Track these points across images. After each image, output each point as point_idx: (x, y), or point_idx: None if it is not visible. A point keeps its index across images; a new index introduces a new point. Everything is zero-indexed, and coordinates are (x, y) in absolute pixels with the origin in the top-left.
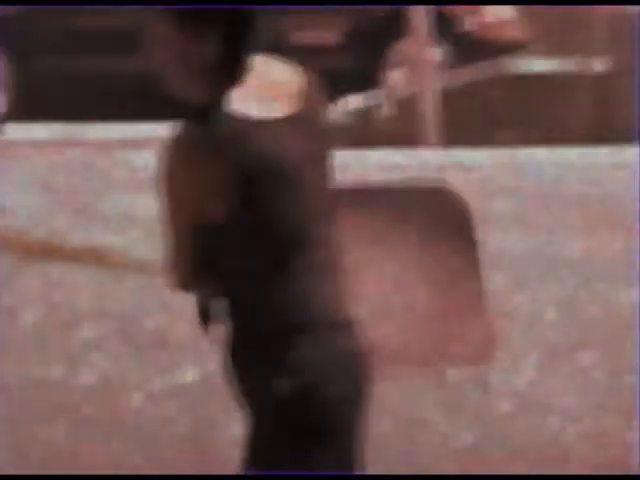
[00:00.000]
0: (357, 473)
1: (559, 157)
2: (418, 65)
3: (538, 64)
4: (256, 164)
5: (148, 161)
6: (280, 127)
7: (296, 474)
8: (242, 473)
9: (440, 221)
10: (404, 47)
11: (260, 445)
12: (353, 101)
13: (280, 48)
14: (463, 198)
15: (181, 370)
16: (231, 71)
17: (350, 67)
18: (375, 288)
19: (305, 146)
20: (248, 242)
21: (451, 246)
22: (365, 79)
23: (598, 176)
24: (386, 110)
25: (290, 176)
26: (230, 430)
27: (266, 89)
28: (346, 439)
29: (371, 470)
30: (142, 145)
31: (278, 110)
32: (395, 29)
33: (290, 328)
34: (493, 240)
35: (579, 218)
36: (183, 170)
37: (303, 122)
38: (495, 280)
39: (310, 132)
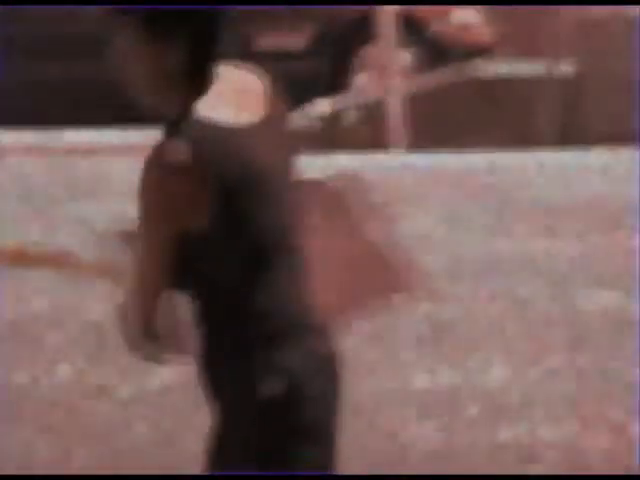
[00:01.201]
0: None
1: (527, 160)
2: (385, 69)
3: (505, 67)
4: (235, 170)
5: (121, 167)
6: (253, 133)
7: (287, 474)
8: (208, 471)
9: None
10: (371, 51)
11: (239, 447)
12: (320, 105)
13: (246, 53)
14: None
15: (150, 376)
16: (198, 80)
17: (317, 71)
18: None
19: (276, 151)
20: (228, 250)
21: (338, 226)
22: (332, 83)
23: (566, 179)
24: (353, 114)
25: (266, 181)
26: (198, 437)
27: (233, 96)
28: (327, 438)
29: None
30: (115, 151)
31: (247, 116)
32: (362, 33)
33: (273, 331)
34: (463, 243)
35: (546, 221)
36: (163, 187)
37: (272, 127)
38: (464, 285)
39: (278, 137)
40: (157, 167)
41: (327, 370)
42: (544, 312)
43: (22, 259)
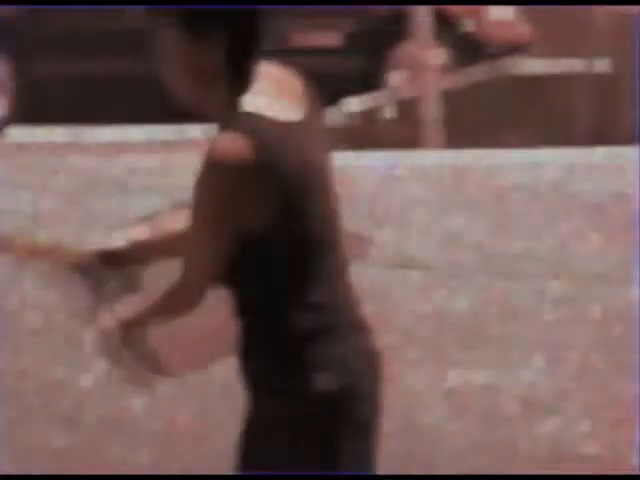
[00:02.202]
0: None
1: (561, 158)
2: (420, 67)
3: (539, 65)
4: (295, 166)
5: (150, 164)
6: (304, 128)
7: (294, 474)
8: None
9: None
10: (406, 49)
11: (285, 442)
12: (355, 103)
13: (280, 51)
14: None
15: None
16: (240, 77)
17: (352, 69)
18: None
19: (320, 147)
20: (281, 246)
21: None
22: (367, 81)
23: (600, 177)
24: (388, 112)
25: (316, 177)
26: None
27: (276, 92)
28: (373, 436)
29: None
30: (144, 148)
31: (294, 112)
32: (396, 31)
33: (322, 327)
34: (494, 241)
35: (582, 219)
36: (226, 186)
37: (312, 124)
38: (495, 280)
39: (320, 134)
40: (221, 164)
41: (373, 367)
42: (578, 310)
43: (55, 257)
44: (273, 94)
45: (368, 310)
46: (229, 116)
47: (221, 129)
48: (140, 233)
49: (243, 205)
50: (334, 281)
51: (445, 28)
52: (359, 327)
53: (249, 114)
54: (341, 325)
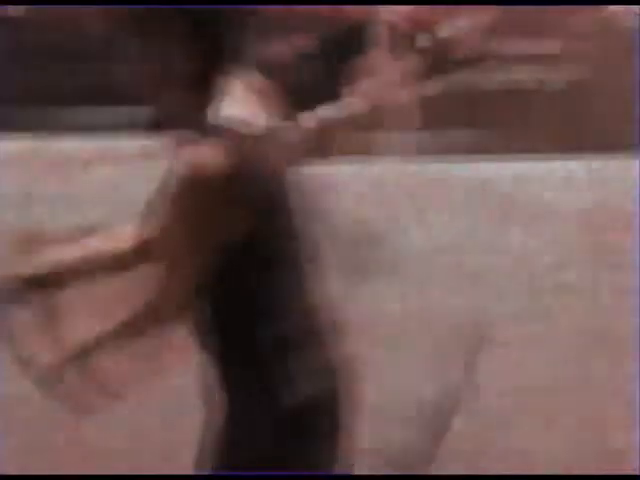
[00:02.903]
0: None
1: (520, 169)
2: (381, 78)
3: (498, 76)
4: (268, 175)
5: (114, 175)
6: (276, 134)
7: (295, 474)
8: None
9: None
10: (367, 59)
11: (253, 450)
12: (315, 114)
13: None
14: None
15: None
16: (210, 81)
17: (312, 80)
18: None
19: (286, 153)
20: (248, 255)
21: None
22: (327, 92)
23: (570, 186)
24: (349, 123)
25: (284, 185)
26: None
27: (249, 98)
28: (338, 442)
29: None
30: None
31: (266, 118)
32: (357, 42)
33: (288, 336)
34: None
35: (549, 230)
36: (201, 193)
37: (284, 134)
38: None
39: (286, 143)
40: (195, 176)
41: (341, 374)
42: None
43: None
44: (245, 100)
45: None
46: (203, 125)
47: (195, 138)
48: (69, 252)
49: (218, 220)
50: (300, 293)
51: (407, 40)
52: (324, 334)
53: (223, 125)
54: (306, 333)
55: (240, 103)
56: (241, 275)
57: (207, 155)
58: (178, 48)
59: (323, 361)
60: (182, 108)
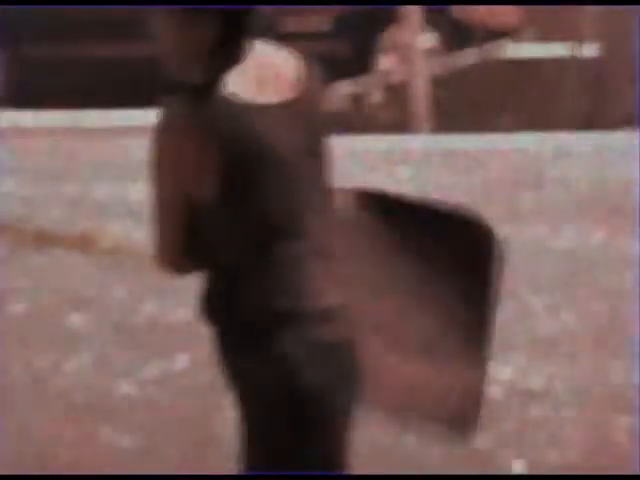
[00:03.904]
0: (344, 468)
1: (550, 142)
2: (409, 51)
3: (528, 49)
4: (244, 147)
5: (143, 148)
6: (273, 112)
7: (293, 473)
8: (241, 465)
9: (460, 253)
10: (395, 33)
11: (250, 433)
12: (344, 87)
13: (270, 34)
14: (494, 234)
15: (173, 357)
16: (230, 54)
17: (341, 53)
18: (374, 301)
19: (298, 133)
20: (233, 225)
21: (465, 280)
22: (356, 65)
23: (589, 161)
24: (377, 96)
25: (278, 162)
26: (222, 417)
27: (263, 74)
28: (331, 430)
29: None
30: (138, 132)
31: (274, 95)
32: (386, 15)
33: (273, 316)
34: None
35: (571, 204)
36: (172, 150)
37: (299, 109)
38: None
39: (306, 120)
40: (167, 130)
41: (333, 358)
42: (573, 297)
43: (48, 240)
44: (254, 75)
45: None
46: (197, 90)
47: (183, 101)
48: None
49: (186, 169)
50: (291, 268)
51: (435, 12)
52: (321, 316)
53: (214, 93)
54: (290, 316)
55: (243, 79)
56: (226, 244)
57: (180, 113)
58: (196, 17)
59: (307, 343)
60: (195, 77)
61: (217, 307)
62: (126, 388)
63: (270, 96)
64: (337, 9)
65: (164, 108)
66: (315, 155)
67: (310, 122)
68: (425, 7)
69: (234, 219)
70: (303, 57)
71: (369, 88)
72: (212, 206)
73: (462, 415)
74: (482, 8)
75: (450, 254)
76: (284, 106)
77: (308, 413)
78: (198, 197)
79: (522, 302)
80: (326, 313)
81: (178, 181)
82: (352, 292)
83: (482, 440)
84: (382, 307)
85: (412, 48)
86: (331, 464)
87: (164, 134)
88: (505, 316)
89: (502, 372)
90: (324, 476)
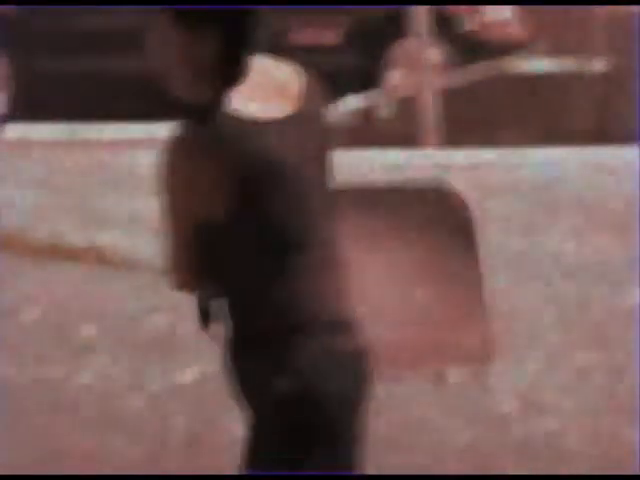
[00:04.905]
0: (357, 473)
1: (559, 157)
2: (418, 65)
3: (538, 64)
4: (256, 164)
5: (151, 161)
6: (281, 127)
7: (296, 474)
8: (242, 473)
9: (440, 221)
10: (404, 47)
11: (259, 445)
12: (353, 101)
13: (279, 48)
14: (463, 198)
15: (182, 370)
16: (232, 71)
17: (350, 67)
18: (374, 288)
19: (305, 146)
20: (248, 241)
21: (451, 247)
22: (365, 79)
23: (597, 177)
24: (386, 110)
25: (290, 176)
26: (230, 430)
27: (267, 89)
28: (345, 439)
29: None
30: (145, 145)
31: (279, 110)
32: (395, 29)
33: (290, 328)
34: (492, 240)
35: (578, 219)
36: (184, 170)
37: (303, 122)
38: (494, 279)
39: (310, 132)
40: (177, 151)
41: (350, 369)
42: (576, 310)
43: (57, 252)
44: (259, 90)
45: None
46: (205, 109)
47: (189, 121)
48: None
49: (197, 190)
50: (310, 279)
51: (444, 26)
52: (332, 328)
53: (222, 110)
54: (307, 326)
55: (249, 95)
56: (238, 257)
57: (191, 133)
58: (198, 35)
59: (331, 350)
60: (198, 96)
61: (232, 320)
62: (135, 400)
63: (275, 111)
64: (347, 22)
65: (173, 130)
66: (320, 166)
67: (315, 136)
68: (434, 21)
69: (249, 235)
70: (304, 70)
71: (378, 102)
72: (226, 224)
73: (482, 355)
74: (493, 22)
75: (433, 225)
76: (290, 120)
77: (325, 422)
78: (211, 216)
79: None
80: (341, 323)
81: (190, 202)
82: (356, 282)
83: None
84: (384, 292)
85: (421, 62)
86: (344, 471)
87: (174, 156)
88: None
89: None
90: (324, 476)
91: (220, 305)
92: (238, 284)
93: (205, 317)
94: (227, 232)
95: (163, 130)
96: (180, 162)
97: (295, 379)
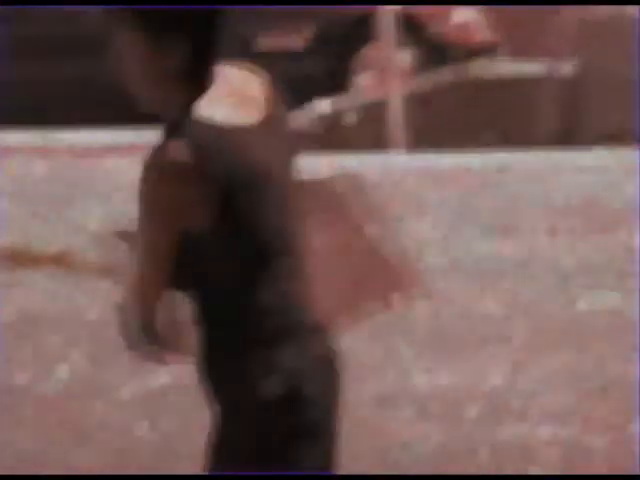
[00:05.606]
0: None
1: (526, 161)
2: (385, 69)
3: (505, 67)
4: (234, 170)
5: (122, 167)
6: (253, 133)
7: (286, 474)
8: (209, 472)
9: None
10: (371, 51)
11: (239, 447)
12: (320, 106)
13: (246, 54)
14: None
15: (151, 374)
16: (198, 80)
17: (317, 72)
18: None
19: (275, 152)
20: (228, 250)
21: (341, 222)
22: (332, 84)
23: (563, 180)
24: (354, 115)
25: (265, 182)
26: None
27: (233, 96)
28: (326, 438)
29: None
30: (115, 151)
31: (247, 117)
32: (362, 33)
33: (270, 332)
34: (460, 243)
35: (545, 221)
36: (166, 184)
37: (271, 128)
38: (459, 282)
39: (278, 138)
40: (157, 167)
41: (326, 370)
42: (545, 312)
43: (24, 259)
44: (227, 98)
45: None
46: (177, 119)
47: (165, 133)
48: None
49: (179, 206)
50: (286, 283)
51: (410, 31)
52: (312, 330)
53: (195, 119)
54: (290, 329)
55: (218, 102)
56: (220, 264)
57: (170, 147)
58: (164, 46)
59: (311, 352)
60: (166, 105)
61: (211, 326)
62: (103, 407)
63: (242, 118)
64: (312, 27)
65: (150, 141)
66: (289, 172)
67: (284, 140)
68: (401, 25)
69: (232, 243)
70: (266, 76)
71: (345, 107)
72: (209, 234)
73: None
74: (460, 25)
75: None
76: (260, 126)
77: (308, 421)
78: (193, 229)
79: None
80: (316, 325)
81: (171, 220)
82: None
83: None
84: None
85: (388, 67)
86: (327, 468)
87: (153, 170)
88: None
89: None
90: (323, 476)
91: (192, 312)
92: (220, 289)
93: (151, 335)
94: (208, 242)
95: (133, 136)
96: (161, 176)
97: (278, 382)
